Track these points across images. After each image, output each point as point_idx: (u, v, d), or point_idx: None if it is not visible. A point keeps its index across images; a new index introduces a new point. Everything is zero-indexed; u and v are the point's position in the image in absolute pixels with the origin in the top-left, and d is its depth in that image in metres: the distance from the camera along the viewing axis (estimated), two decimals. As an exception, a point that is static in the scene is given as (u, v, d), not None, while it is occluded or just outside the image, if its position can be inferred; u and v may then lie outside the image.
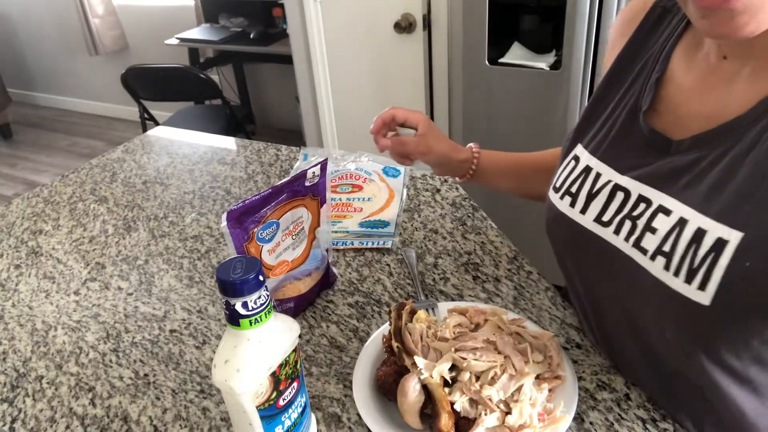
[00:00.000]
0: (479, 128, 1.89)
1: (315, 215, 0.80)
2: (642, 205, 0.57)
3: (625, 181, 0.59)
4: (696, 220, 0.51)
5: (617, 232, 0.58)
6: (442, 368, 0.60)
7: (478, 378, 0.60)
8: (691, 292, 0.50)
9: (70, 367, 0.76)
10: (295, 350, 0.55)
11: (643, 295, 0.56)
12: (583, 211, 0.63)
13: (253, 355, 0.51)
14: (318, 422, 0.64)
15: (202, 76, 2.58)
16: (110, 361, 0.77)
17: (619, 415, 0.62)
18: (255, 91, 3.72)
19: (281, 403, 0.54)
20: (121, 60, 3.83)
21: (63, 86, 4.43)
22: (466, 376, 0.60)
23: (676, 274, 0.51)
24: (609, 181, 0.61)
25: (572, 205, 0.64)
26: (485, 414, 0.58)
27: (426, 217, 1.01)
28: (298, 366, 0.56)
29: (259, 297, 0.50)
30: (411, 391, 0.60)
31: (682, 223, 0.52)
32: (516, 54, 1.75)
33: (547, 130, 1.75)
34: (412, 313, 0.68)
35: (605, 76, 0.68)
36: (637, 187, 0.58)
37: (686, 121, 0.57)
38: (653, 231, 0.55)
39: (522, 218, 1.62)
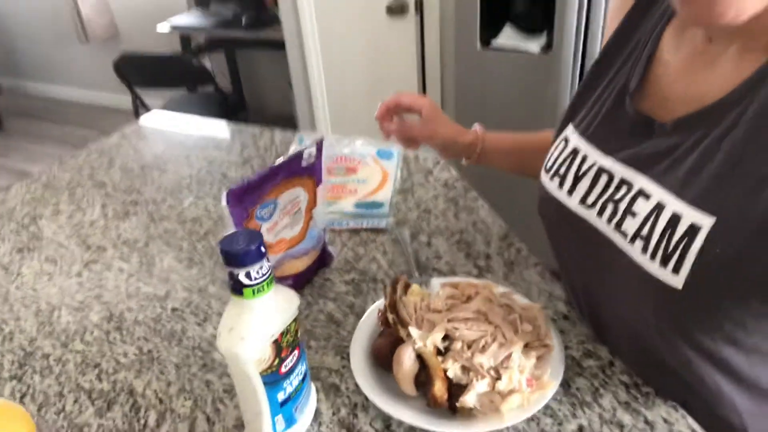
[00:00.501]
0: (472, 111, 1.91)
1: (312, 195, 0.83)
2: (624, 188, 0.58)
3: (609, 163, 0.60)
4: (672, 204, 0.52)
5: (600, 214, 0.60)
6: (436, 338, 0.63)
7: (469, 347, 0.63)
8: (666, 275, 0.52)
9: (75, 345, 0.79)
10: (295, 320, 0.58)
11: (623, 277, 0.58)
12: (570, 192, 0.64)
13: (257, 323, 0.54)
14: (318, 391, 0.67)
15: (195, 63, 2.58)
16: (114, 338, 0.79)
17: (604, 380, 0.66)
18: (247, 77, 3.71)
19: (283, 370, 0.57)
20: (112, 47, 3.81)
21: (54, 75, 4.40)
22: (458, 345, 0.63)
23: (653, 257, 0.53)
24: (594, 164, 0.62)
25: (560, 186, 0.66)
26: (477, 380, 0.61)
27: (419, 197, 1.03)
28: (298, 335, 0.59)
29: (261, 267, 0.53)
30: (406, 359, 0.63)
31: (659, 207, 0.53)
32: (508, 34, 1.77)
33: (538, 113, 1.77)
34: (407, 287, 0.70)
35: (598, 56, 0.69)
36: (620, 170, 0.59)
37: (671, 103, 0.57)
38: (633, 215, 0.56)
39: (513, 199, 1.65)
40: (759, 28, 0.49)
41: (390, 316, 0.67)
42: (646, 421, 0.61)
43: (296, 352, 0.59)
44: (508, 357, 0.62)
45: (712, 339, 0.53)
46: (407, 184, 1.08)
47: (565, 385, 0.65)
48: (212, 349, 0.76)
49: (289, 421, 0.61)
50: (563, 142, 0.69)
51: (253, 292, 0.53)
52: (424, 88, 2.16)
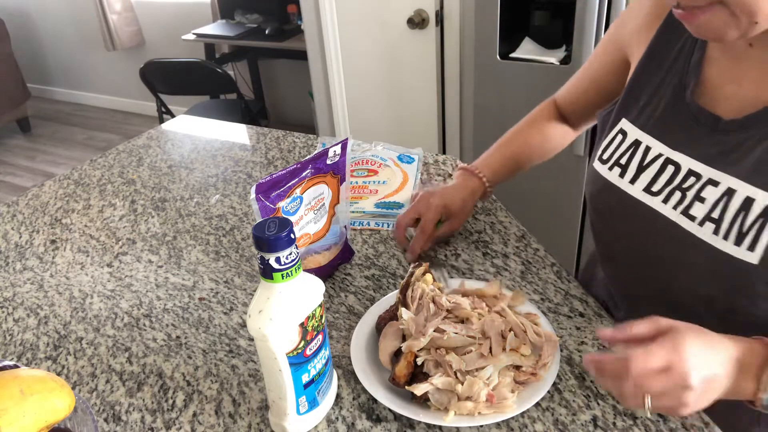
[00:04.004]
0: (490, 122, 1.94)
1: (335, 192, 0.86)
2: (692, 179, 0.63)
3: (675, 155, 0.65)
4: (744, 190, 0.58)
5: (666, 201, 0.65)
6: (423, 341, 0.65)
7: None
8: (741, 253, 0.57)
9: (107, 330, 0.82)
10: (320, 305, 0.60)
11: (687, 256, 0.63)
12: (633, 181, 0.69)
13: (285, 305, 0.56)
14: (339, 378, 0.70)
15: (219, 70, 2.65)
16: (144, 325, 0.82)
17: (618, 375, 0.67)
18: (269, 86, 3.79)
19: (308, 352, 0.60)
20: (138, 55, 3.92)
21: (80, 81, 4.52)
22: (439, 341, 0.66)
23: (726, 237, 0.58)
24: (660, 155, 0.67)
25: (621, 175, 0.70)
26: (440, 375, 0.63)
27: (438, 199, 1.06)
28: (323, 321, 0.62)
29: (290, 253, 0.56)
30: (390, 334, 0.69)
31: (730, 193, 0.59)
32: (527, 49, 1.80)
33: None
34: (425, 274, 0.73)
35: (645, 55, 0.72)
36: (687, 162, 0.64)
37: (728, 101, 0.62)
38: (702, 200, 0.61)
39: (530, 202, 1.67)
40: None
41: (398, 296, 0.72)
42: (659, 414, 0.62)
43: (320, 336, 0.62)
44: (483, 368, 0.64)
45: None
46: (427, 186, 1.10)
47: (580, 378, 0.67)
48: (238, 336, 0.79)
49: (312, 404, 0.63)
50: (620, 135, 0.72)
51: (282, 276, 0.56)
52: (443, 99, 2.19)
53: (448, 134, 2.28)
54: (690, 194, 0.62)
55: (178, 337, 0.79)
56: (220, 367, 0.74)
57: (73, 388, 0.70)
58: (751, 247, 0.56)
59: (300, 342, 0.58)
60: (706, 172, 0.62)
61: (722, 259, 0.58)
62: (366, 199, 1.05)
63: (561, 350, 0.70)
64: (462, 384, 0.62)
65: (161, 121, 2.82)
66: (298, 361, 0.59)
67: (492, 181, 0.94)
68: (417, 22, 2.03)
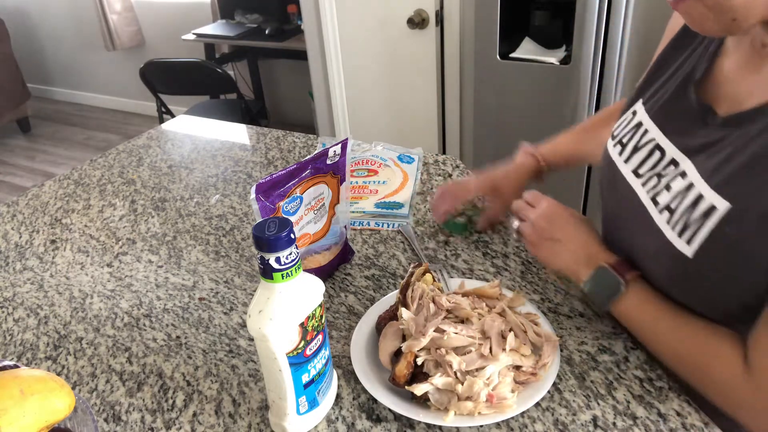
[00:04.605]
0: (490, 122, 1.94)
1: (335, 192, 0.86)
2: (671, 168, 0.64)
3: (665, 142, 0.66)
4: (699, 186, 0.59)
5: (645, 184, 0.67)
6: (423, 342, 0.65)
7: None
8: (680, 244, 0.59)
9: (107, 330, 0.82)
10: (320, 306, 0.60)
11: (647, 240, 0.65)
12: (627, 160, 0.71)
13: (285, 305, 0.56)
14: (339, 378, 0.70)
15: (219, 70, 2.65)
16: (144, 325, 0.82)
17: (618, 375, 0.67)
18: (269, 86, 3.79)
19: (308, 352, 0.60)
20: (138, 55, 3.92)
21: (80, 81, 4.52)
22: (440, 341, 0.65)
23: (674, 227, 0.60)
24: (653, 140, 0.68)
25: (621, 153, 0.73)
26: (440, 375, 0.63)
27: (438, 199, 1.06)
28: (323, 321, 0.62)
29: (290, 253, 0.56)
30: (390, 334, 0.69)
31: (689, 187, 0.60)
32: (527, 49, 1.80)
33: (557, 124, 1.79)
34: (425, 273, 0.73)
35: (670, 44, 0.73)
36: (672, 151, 0.65)
37: (725, 98, 0.62)
38: (669, 189, 0.63)
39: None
40: None
41: (398, 296, 0.72)
42: (659, 414, 0.62)
43: (320, 336, 0.62)
44: (483, 368, 0.64)
45: (711, 309, 0.60)
46: (427, 186, 1.10)
47: (580, 378, 0.67)
48: (238, 336, 0.79)
49: (312, 404, 0.63)
50: (631, 114, 0.74)
51: (282, 276, 0.56)
52: (443, 99, 2.19)
53: (448, 134, 2.28)
54: (663, 182, 0.64)
55: (178, 337, 0.79)
56: (220, 367, 0.74)
57: (73, 388, 0.69)
58: (690, 241, 0.58)
59: (300, 342, 0.58)
60: (684, 163, 0.62)
61: (666, 247, 0.61)
62: (366, 199, 1.05)
63: (561, 350, 0.70)
64: (462, 384, 0.62)
65: (161, 121, 2.82)
66: (298, 361, 0.59)
67: (549, 160, 0.95)
68: (417, 22, 2.03)
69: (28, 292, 0.91)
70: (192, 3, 3.61)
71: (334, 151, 0.83)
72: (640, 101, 0.74)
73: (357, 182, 1.09)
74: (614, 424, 0.62)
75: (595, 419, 0.62)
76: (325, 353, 0.63)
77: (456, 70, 2.09)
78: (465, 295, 0.74)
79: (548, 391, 0.65)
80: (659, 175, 0.65)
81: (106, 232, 1.05)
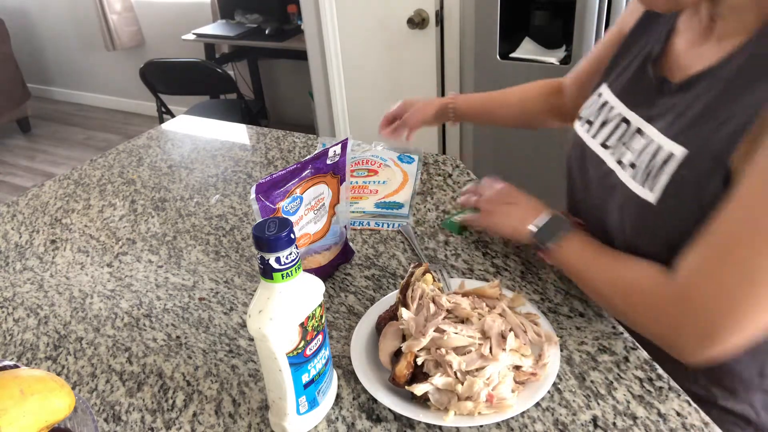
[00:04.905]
0: (489, 122, 1.93)
1: (335, 192, 0.86)
2: (638, 136, 0.70)
3: (630, 114, 0.73)
4: (658, 139, 0.66)
5: (613, 153, 0.74)
6: (423, 342, 0.65)
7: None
8: (644, 193, 0.66)
9: (107, 330, 0.82)
10: (320, 306, 0.60)
11: (614, 198, 0.71)
12: (595, 135, 0.78)
13: (285, 305, 0.56)
14: (339, 378, 0.70)
15: (219, 70, 2.65)
16: (144, 325, 0.82)
17: (618, 375, 0.67)
18: (269, 86, 3.79)
19: (308, 352, 0.60)
20: (138, 55, 3.92)
21: (80, 81, 4.52)
22: (440, 341, 0.65)
23: (636, 178, 0.67)
24: (618, 114, 0.75)
25: (588, 131, 0.80)
26: (440, 375, 0.63)
27: (438, 199, 1.06)
28: (323, 321, 0.62)
29: (290, 253, 0.56)
30: (390, 334, 0.69)
31: (649, 142, 0.67)
32: (526, 49, 1.80)
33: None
34: (425, 273, 0.73)
35: (632, 29, 0.81)
36: (636, 120, 0.72)
37: (680, 69, 0.70)
38: (631, 150, 0.70)
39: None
40: (733, 15, 0.62)
41: (398, 296, 0.72)
42: (659, 414, 0.62)
43: (320, 336, 0.62)
44: (483, 368, 0.63)
45: (673, 251, 0.63)
46: (427, 186, 1.10)
47: (580, 378, 0.67)
48: (238, 336, 0.79)
49: (312, 404, 0.63)
50: (597, 96, 0.82)
51: (282, 276, 0.56)
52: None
53: (448, 134, 2.28)
54: (627, 145, 0.71)
55: (178, 337, 0.79)
56: (220, 367, 0.74)
57: (73, 388, 0.69)
58: (652, 188, 0.64)
59: (300, 342, 0.58)
60: (647, 129, 0.69)
61: (632, 198, 0.67)
62: (366, 199, 1.05)
63: (561, 350, 0.70)
64: (462, 384, 0.62)
65: (161, 121, 2.82)
66: (298, 361, 0.59)
67: (459, 105, 1.12)
68: (417, 22, 2.03)
69: (28, 292, 0.91)
70: (192, 3, 3.61)
71: (334, 151, 0.83)
72: (605, 84, 0.81)
73: (357, 182, 1.09)
74: (614, 424, 0.62)
75: (595, 419, 0.62)
76: (325, 353, 0.63)
77: (456, 70, 2.09)
78: (465, 295, 0.74)
79: (548, 391, 0.65)
80: (624, 143, 0.72)
81: (106, 232, 1.05)
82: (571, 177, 0.85)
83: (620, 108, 0.75)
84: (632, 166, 0.68)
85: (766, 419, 0.75)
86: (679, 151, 0.62)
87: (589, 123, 0.80)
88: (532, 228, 0.76)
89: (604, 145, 0.75)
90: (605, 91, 0.80)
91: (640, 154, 0.68)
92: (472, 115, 1.14)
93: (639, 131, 0.70)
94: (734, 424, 0.76)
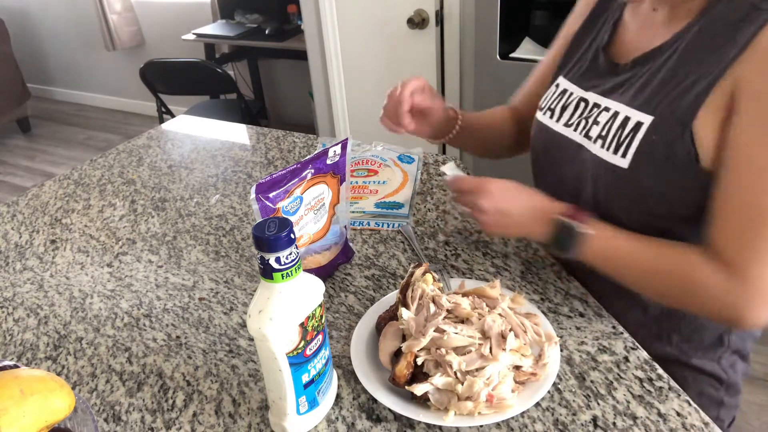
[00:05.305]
0: (489, 122, 1.93)
1: (335, 192, 0.86)
2: (595, 110, 0.78)
3: (587, 95, 0.81)
4: (624, 111, 0.73)
5: (576, 129, 0.80)
6: (423, 342, 0.65)
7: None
8: (617, 160, 0.72)
9: (107, 330, 0.82)
10: (320, 306, 0.60)
11: (585, 169, 0.77)
12: (558, 120, 0.84)
13: (285, 305, 0.56)
14: (339, 378, 0.70)
15: (219, 70, 2.65)
16: (144, 325, 0.82)
17: (618, 375, 0.67)
18: (269, 86, 3.78)
19: (308, 352, 0.60)
20: (138, 56, 3.92)
21: (80, 81, 4.52)
22: (439, 341, 0.65)
23: (608, 148, 0.73)
24: (576, 96, 0.82)
25: (551, 117, 0.85)
26: (440, 375, 0.63)
27: (438, 199, 1.06)
28: (323, 321, 0.62)
29: (290, 253, 0.56)
30: (390, 334, 0.69)
31: (615, 114, 0.74)
32: (527, 49, 1.80)
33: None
34: (425, 273, 0.73)
35: (582, 25, 0.89)
36: (593, 97, 0.79)
37: (629, 52, 0.78)
38: (597, 123, 0.76)
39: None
40: (683, 3, 0.71)
41: (398, 296, 0.72)
42: (659, 414, 0.62)
43: (320, 336, 0.62)
44: (483, 368, 0.63)
45: (650, 222, 0.72)
46: (427, 186, 1.10)
47: (580, 378, 0.67)
48: (238, 336, 0.79)
49: (312, 404, 0.63)
50: (554, 87, 0.88)
51: (282, 276, 0.56)
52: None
53: (448, 134, 2.27)
54: (590, 120, 0.77)
55: (178, 337, 0.79)
56: (220, 367, 0.74)
57: (73, 388, 0.69)
58: (624, 155, 0.70)
59: (300, 342, 0.58)
60: (603, 101, 0.77)
61: (605, 166, 0.73)
62: (366, 199, 1.05)
63: (561, 350, 0.70)
64: (462, 384, 0.62)
65: (161, 121, 2.81)
66: (298, 361, 0.59)
67: (465, 116, 1.00)
68: (417, 22, 2.03)
69: (28, 292, 0.91)
70: (192, 3, 3.61)
71: (334, 151, 0.83)
72: (561, 75, 0.87)
73: (357, 182, 1.09)
74: (614, 424, 0.62)
75: (595, 419, 0.62)
76: (325, 353, 0.63)
77: (456, 70, 2.09)
78: (465, 295, 0.74)
79: (548, 391, 0.65)
80: (586, 118, 0.78)
81: (106, 232, 1.05)
82: (538, 163, 0.90)
83: (577, 91, 0.82)
84: (601, 137, 0.74)
85: (733, 377, 0.83)
86: (646, 119, 0.69)
87: (550, 110, 0.85)
88: (548, 243, 0.75)
89: (567, 124, 0.81)
90: (562, 81, 0.87)
91: (607, 126, 0.74)
92: (470, 135, 1.02)
93: (599, 107, 0.77)
94: (710, 386, 0.83)
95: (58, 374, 0.75)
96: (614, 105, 0.75)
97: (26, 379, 0.56)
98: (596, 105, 0.78)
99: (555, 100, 0.86)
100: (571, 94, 0.84)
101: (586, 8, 0.90)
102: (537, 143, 0.89)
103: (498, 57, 1.78)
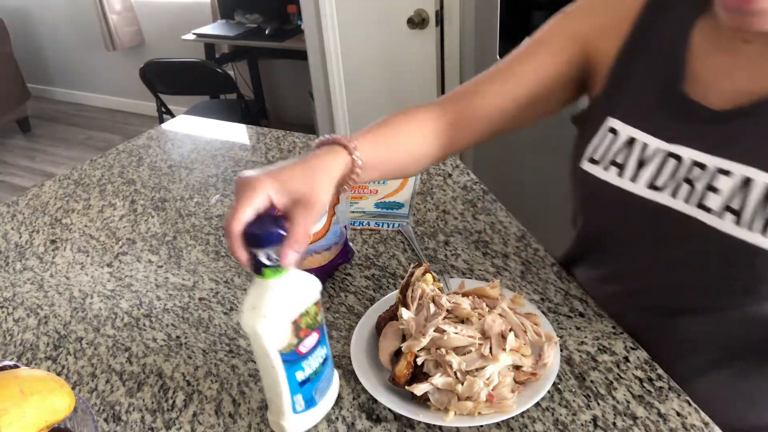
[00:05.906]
0: (489, 122, 1.93)
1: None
2: (697, 170, 0.63)
3: (674, 148, 0.65)
4: (762, 177, 0.58)
5: (674, 195, 0.64)
6: (423, 342, 0.65)
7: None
8: (766, 243, 0.57)
9: (107, 330, 0.82)
10: (316, 304, 0.60)
11: (704, 248, 0.62)
12: (634, 179, 0.67)
13: (277, 302, 0.57)
14: (339, 378, 0.70)
15: (219, 70, 2.65)
16: (144, 325, 0.82)
17: (618, 375, 0.67)
18: (269, 86, 3.78)
19: (302, 350, 0.60)
20: (138, 55, 3.91)
21: (80, 81, 4.52)
22: (439, 341, 0.65)
23: (750, 227, 0.58)
24: (658, 149, 0.66)
25: (620, 175, 0.68)
26: (440, 375, 0.63)
27: (438, 199, 1.06)
28: (319, 318, 0.62)
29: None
30: (390, 334, 0.69)
31: (747, 182, 0.59)
32: (526, 49, 1.80)
33: (556, 124, 1.79)
34: (425, 273, 0.73)
35: (623, 52, 0.71)
36: (688, 153, 0.64)
37: (722, 94, 0.63)
38: (715, 191, 0.61)
39: (530, 202, 1.66)
40: None
41: (398, 296, 0.72)
42: (659, 414, 0.62)
43: (316, 334, 0.61)
44: (483, 368, 0.63)
45: None
46: (426, 186, 1.10)
47: (580, 378, 0.67)
48: (238, 336, 0.79)
49: (309, 403, 0.63)
50: (611, 133, 0.70)
51: (273, 272, 0.56)
52: (442, 99, 2.20)
53: (448, 134, 2.27)
54: (700, 185, 0.62)
55: (178, 337, 0.79)
56: (220, 367, 0.74)
57: (73, 388, 0.69)
58: None
59: (293, 339, 0.58)
60: (712, 161, 0.61)
61: (747, 250, 0.58)
62: (366, 199, 1.05)
63: (561, 350, 0.70)
64: (462, 384, 0.62)
65: (161, 121, 2.81)
66: (292, 358, 0.59)
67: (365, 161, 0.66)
68: (417, 22, 2.03)
69: (28, 292, 0.91)
70: (192, 3, 3.61)
71: (334, 151, 0.82)
72: (611, 118, 0.71)
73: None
74: (614, 424, 0.62)
75: (595, 419, 0.62)
76: (321, 352, 0.63)
77: (456, 70, 2.09)
78: (465, 295, 0.74)
79: (548, 391, 0.65)
80: (688, 181, 0.63)
81: (106, 232, 1.05)
82: (602, 226, 0.75)
83: (656, 143, 0.66)
84: (731, 211, 0.59)
85: None
86: None
87: (618, 166, 0.69)
88: None
89: (654, 187, 0.66)
90: (620, 127, 0.70)
91: (739, 197, 0.59)
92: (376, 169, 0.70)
93: (704, 168, 0.62)
94: None
95: (58, 374, 0.75)
96: (735, 167, 0.60)
97: (26, 379, 0.56)
98: (697, 164, 0.63)
99: (619, 151, 0.69)
100: (646, 145, 0.67)
101: (599, 5, 0.74)
102: (600, 205, 0.73)
103: (498, 57, 1.78)
